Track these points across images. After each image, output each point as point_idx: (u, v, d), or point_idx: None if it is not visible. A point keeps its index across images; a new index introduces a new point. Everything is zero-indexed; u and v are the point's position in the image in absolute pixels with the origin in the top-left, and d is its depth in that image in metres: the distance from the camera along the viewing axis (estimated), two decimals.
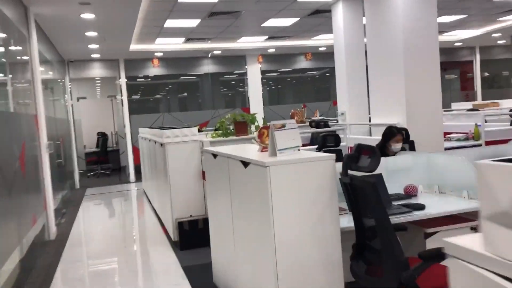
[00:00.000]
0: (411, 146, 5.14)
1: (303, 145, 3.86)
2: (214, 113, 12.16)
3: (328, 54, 11.19)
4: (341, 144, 5.84)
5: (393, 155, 4.23)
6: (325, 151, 4.64)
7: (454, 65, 14.61)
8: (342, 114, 7.55)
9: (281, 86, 15.14)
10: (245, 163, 2.82)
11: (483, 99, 13.55)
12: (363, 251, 2.72)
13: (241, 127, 5.17)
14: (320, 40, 11.58)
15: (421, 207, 3.14)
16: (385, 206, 2.39)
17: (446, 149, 6.13)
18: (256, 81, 12.82)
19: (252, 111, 11.61)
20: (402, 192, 3.58)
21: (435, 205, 3.21)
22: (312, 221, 2.54)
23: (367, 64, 6.41)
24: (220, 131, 5.28)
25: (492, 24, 11.42)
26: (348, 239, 2.75)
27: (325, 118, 8.25)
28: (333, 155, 2.54)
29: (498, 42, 13.86)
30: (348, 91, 7.44)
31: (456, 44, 13.45)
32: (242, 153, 3.12)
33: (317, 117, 9.05)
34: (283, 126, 2.63)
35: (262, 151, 3.00)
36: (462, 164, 3.41)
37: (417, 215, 3.03)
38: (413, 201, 3.40)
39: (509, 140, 6.26)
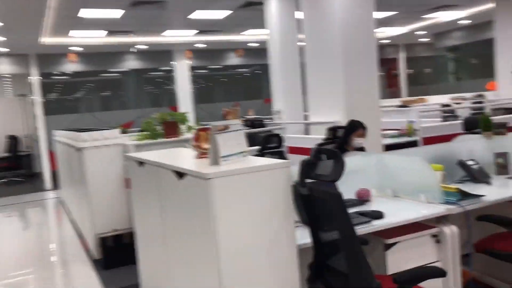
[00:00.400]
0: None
1: None
2: (139, 112, 11.37)
3: (259, 51, 10.84)
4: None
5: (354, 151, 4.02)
6: (267, 153, 4.21)
7: (380, 62, 14.95)
8: (278, 112, 7.20)
9: (212, 84, 14.59)
10: (180, 174, 2.30)
11: (408, 96, 13.95)
12: (322, 272, 2.32)
13: (171, 128, 4.60)
14: (252, 36, 11.20)
15: (379, 215, 2.79)
16: (352, 222, 1.99)
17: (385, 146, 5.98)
18: (184, 78, 12.18)
19: (181, 110, 10.98)
20: (354, 197, 3.23)
21: (393, 212, 2.88)
22: (265, 243, 2.08)
23: (304, 61, 6.10)
24: (147, 133, 4.68)
25: (417, 22, 11.70)
26: (304, 258, 2.33)
27: (259, 116, 7.87)
28: (289, 162, 2.11)
29: (421, 40, 14.34)
30: (283, 88, 7.11)
31: (382, 41, 13.71)
32: (175, 161, 2.59)
33: (251, 115, 8.66)
34: (226, 128, 2.14)
35: (200, 157, 2.49)
36: (418, 165, 3.13)
37: (377, 225, 2.68)
38: (367, 207, 3.06)
39: (446, 136, 6.25)
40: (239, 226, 2.03)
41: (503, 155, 3.65)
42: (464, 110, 7.65)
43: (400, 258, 2.73)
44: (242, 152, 2.19)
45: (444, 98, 10.61)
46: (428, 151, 3.66)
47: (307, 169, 2.11)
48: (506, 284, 3.47)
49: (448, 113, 7.17)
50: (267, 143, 4.48)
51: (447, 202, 2.91)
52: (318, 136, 5.76)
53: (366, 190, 3.23)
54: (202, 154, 2.46)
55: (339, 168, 1.98)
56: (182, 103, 11.92)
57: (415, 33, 12.80)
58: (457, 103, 9.68)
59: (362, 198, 3.20)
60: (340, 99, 5.49)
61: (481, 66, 13.32)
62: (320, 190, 2.03)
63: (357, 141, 4.09)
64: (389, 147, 7.06)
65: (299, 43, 7.13)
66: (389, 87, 15.13)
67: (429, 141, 6.15)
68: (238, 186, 2.01)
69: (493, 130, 3.94)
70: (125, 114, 11.44)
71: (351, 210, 2.87)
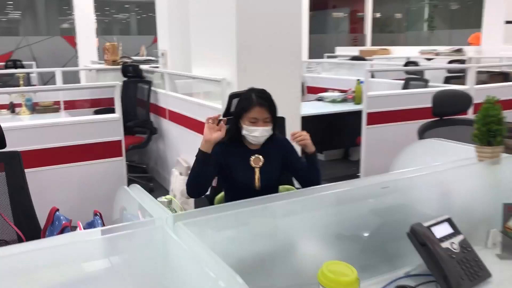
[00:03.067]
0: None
1: None
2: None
3: None
4: None
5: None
6: None
7: (344, 2, 12.39)
8: (163, 55, 4.76)
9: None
10: None
11: (372, 45, 11.57)
12: None
13: None
14: None
15: None
16: None
17: (302, 118, 3.74)
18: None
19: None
20: None
21: None
22: None
23: None
24: None
25: None
26: None
27: (151, 58, 5.42)
28: None
29: None
30: (169, 26, 4.63)
31: None
32: None
33: (143, 55, 6.16)
34: None
35: None
36: None
37: None
38: None
39: (402, 113, 4.01)
40: None
41: None
42: (436, 72, 5.39)
43: None
44: None
45: (413, 51, 8.33)
46: (332, 198, 1.44)
47: None
48: None
49: (412, 74, 4.94)
50: None
51: None
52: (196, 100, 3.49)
53: None
54: None
55: None
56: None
57: None
58: (428, 59, 7.42)
59: None
60: (230, 46, 3.12)
61: (463, 13, 11.04)
62: None
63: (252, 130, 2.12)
64: (318, 120, 4.83)
65: None
66: (352, 32, 12.69)
67: (374, 118, 3.92)
68: None
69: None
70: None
71: None
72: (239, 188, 2.12)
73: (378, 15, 12.31)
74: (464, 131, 2.52)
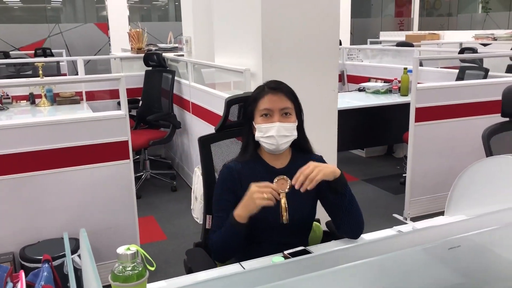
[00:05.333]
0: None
1: None
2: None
3: None
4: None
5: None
6: None
7: None
8: (187, 42, 4.36)
9: None
10: None
11: (420, 29, 10.74)
12: None
13: None
14: None
15: None
16: None
17: (341, 112, 3.26)
18: None
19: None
20: None
21: None
22: None
23: None
24: None
25: None
26: None
27: (177, 45, 5.04)
28: None
29: None
30: (193, 10, 4.23)
31: None
32: None
33: (170, 42, 5.80)
34: None
35: None
36: None
37: None
38: None
39: (456, 108, 3.43)
40: None
41: None
42: (496, 60, 4.71)
43: None
44: None
45: (467, 35, 7.56)
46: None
47: None
48: None
49: (469, 62, 4.31)
50: None
51: None
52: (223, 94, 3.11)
53: None
54: None
55: None
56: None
57: None
58: (484, 44, 6.67)
59: None
60: (257, 30, 2.66)
61: None
62: None
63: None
64: (359, 114, 4.32)
65: None
66: (398, 15, 11.87)
67: (424, 114, 3.36)
68: None
69: None
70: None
71: None
72: (258, 224, 1.49)
73: None
74: None
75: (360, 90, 5.07)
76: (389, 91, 4.84)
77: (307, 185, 1.36)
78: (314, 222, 1.70)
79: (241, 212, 1.43)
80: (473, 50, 4.60)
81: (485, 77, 3.82)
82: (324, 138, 2.85)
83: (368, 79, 5.47)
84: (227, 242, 1.48)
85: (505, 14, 10.78)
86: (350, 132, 4.32)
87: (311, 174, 1.36)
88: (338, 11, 2.78)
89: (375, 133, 4.54)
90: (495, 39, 6.95)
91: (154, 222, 3.60)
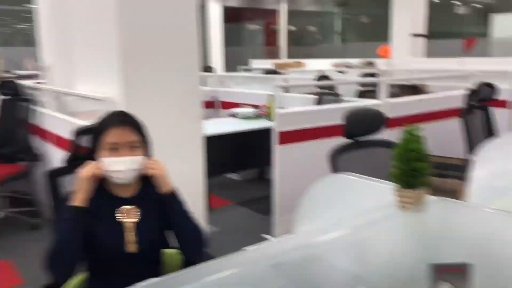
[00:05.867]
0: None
1: None
2: None
3: None
4: None
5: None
6: None
7: (258, 13, 12.24)
8: (48, 68, 4.12)
9: None
10: None
11: (290, 57, 11.50)
12: None
13: None
14: None
15: None
16: None
17: (209, 139, 3.33)
18: None
19: None
20: None
21: None
22: None
23: None
24: None
25: None
26: None
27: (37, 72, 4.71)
28: None
29: None
30: (55, 32, 4.02)
31: None
32: None
33: (28, 69, 5.43)
34: None
35: None
36: None
37: None
38: None
39: (314, 131, 3.72)
40: None
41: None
42: (349, 86, 5.24)
43: None
44: None
45: (326, 63, 8.28)
46: None
47: None
48: None
49: (325, 88, 4.73)
50: None
51: None
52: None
53: None
54: None
55: None
56: None
57: None
58: (340, 71, 7.36)
59: None
60: (114, 59, 2.63)
61: (373, 26, 11.32)
62: None
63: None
64: (229, 139, 4.46)
65: None
66: (268, 44, 12.58)
67: (287, 137, 3.60)
68: None
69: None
70: None
71: None
72: (106, 255, 1.51)
73: (293, 28, 12.32)
74: (381, 154, 2.25)
75: (231, 116, 5.23)
76: (258, 116, 5.07)
77: (151, 168, 1.55)
78: (172, 250, 1.70)
79: (79, 194, 1.47)
80: (327, 78, 5.05)
81: (338, 101, 4.21)
82: (189, 166, 2.88)
83: (238, 105, 5.67)
84: (66, 242, 1.46)
85: (361, 44, 12.06)
86: (222, 157, 4.42)
87: (155, 165, 1.56)
88: (195, 39, 2.85)
89: (245, 157, 4.70)
90: (349, 66, 7.73)
91: (9, 267, 3.27)
